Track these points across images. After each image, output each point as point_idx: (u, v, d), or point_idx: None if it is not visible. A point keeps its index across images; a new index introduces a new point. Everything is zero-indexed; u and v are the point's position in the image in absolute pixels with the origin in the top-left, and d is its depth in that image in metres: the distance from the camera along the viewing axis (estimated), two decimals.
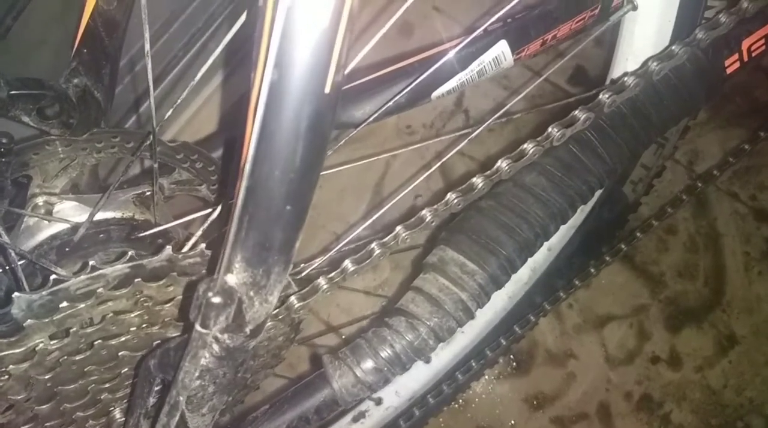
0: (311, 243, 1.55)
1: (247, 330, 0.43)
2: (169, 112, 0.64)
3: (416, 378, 1.20)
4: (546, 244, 1.13)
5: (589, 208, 1.06)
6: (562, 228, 1.11)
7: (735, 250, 1.54)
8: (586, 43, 0.82)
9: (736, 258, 1.54)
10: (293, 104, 0.36)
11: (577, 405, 1.47)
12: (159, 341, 0.61)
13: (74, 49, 0.64)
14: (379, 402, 1.22)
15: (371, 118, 0.82)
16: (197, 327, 0.41)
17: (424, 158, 1.56)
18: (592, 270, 1.08)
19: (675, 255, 1.54)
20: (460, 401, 1.46)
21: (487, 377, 1.48)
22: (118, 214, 0.74)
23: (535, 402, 1.47)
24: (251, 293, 0.41)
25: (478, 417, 1.46)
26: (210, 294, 0.40)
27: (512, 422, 1.46)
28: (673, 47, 0.70)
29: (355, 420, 1.19)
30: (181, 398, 0.45)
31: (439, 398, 1.15)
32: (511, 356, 1.49)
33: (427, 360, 1.20)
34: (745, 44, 0.83)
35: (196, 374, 0.45)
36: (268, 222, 0.39)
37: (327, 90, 0.36)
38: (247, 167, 0.37)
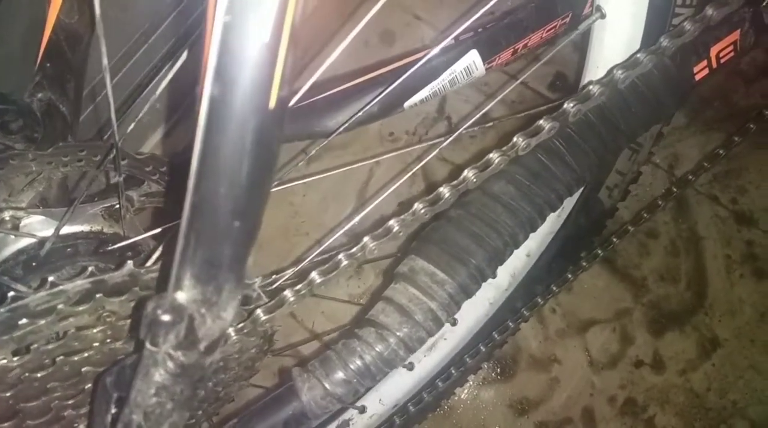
0: (294, 251, 1.55)
1: (201, 347, 0.43)
2: (132, 126, 0.64)
3: (400, 386, 1.19)
4: (524, 250, 1.15)
5: (566, 214, 1.06)
6: (541, 233, 1.12)
7: (716, 254, 1.55)
8: (565, 50, 0.82)
9: (718, 261, 1.54)
10: (235, 120, 0.35)
11: (562, 410, 1.47)
12: (122, 356, 0.60)
13: (37, 63, 0.64)
14: (363, 410, 1.21)
15: (343, 128, 0.82)
16: (147, 345, 0.41)
17: (406, 164, 1.56)
18: (569, 275, 1.08)
19: (656, 258, 1.55)
20: (445, 407, 1.46)
21: (471, 383, 1.47)
22: (86, 228, 0.73)
23: (519, 408, 1.47)
24: (202, 310, 0.41)
25: (463, 423, 1.45)
26: (159, 311, 0.39)
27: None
28: (639, 55, 0.70)
29: None
30: (135, 416, 0.44)
31: (422, 405, 1.15)
32: (495, 361, 1.49)
33: (410, 368, 1.20)
34: (714, 50, 0.83)
35: (152, 391, 0.44)
36: (216, 239, 0.39)
37: (271, 105, 0.36)
38: (191, 183, 0.37)
